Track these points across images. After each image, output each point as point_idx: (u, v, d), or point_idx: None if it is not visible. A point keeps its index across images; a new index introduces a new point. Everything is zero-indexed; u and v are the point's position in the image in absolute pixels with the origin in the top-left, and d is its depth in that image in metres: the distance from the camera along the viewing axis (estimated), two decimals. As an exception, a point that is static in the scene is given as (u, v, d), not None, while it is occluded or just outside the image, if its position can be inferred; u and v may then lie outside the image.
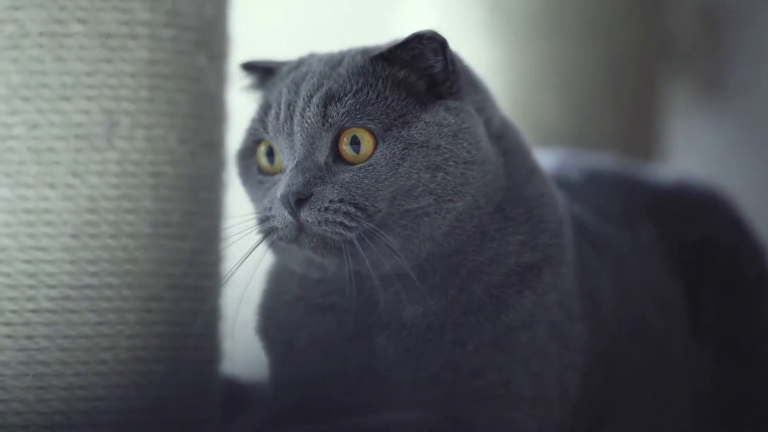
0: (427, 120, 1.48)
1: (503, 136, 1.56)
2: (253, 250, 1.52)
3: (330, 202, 1.45)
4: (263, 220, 1.49)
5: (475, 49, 2.69)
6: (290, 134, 1.49)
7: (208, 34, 1.72)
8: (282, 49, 1.63)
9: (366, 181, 1.46)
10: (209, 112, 1.73)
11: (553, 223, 1.56)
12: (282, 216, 1.47)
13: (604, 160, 1.96)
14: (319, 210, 1.45)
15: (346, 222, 1.45)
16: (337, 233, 1.45)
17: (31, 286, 1.63)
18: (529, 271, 1.53)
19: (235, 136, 1.71)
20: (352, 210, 1.45)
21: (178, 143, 1.69)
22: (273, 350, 1.60)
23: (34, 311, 1.63)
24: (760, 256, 1.89)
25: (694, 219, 1.86)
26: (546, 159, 1.76)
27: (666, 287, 1.78)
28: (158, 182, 1.67)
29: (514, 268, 1.52)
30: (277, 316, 1.60)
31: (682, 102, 3.16)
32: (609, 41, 2.80)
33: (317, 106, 1.47)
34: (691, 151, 3.16)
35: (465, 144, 1.48)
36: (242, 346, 1.67)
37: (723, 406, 1.80)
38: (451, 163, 1.47)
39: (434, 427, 1.47)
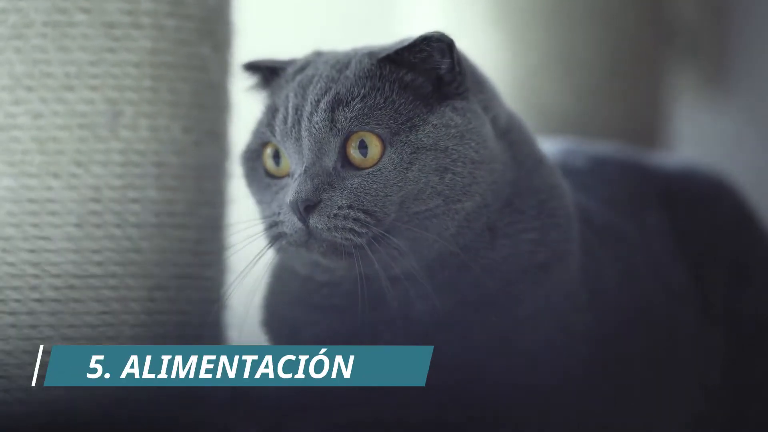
0: (435, 123, 1.47)
1: (510, 131, 1.55)
2: (261, 256, 1.51)
3: (339, 208, 1.44)
4: (272, 225, 1.49)
5: (479, 37, 2.69)
6: (298, 139, 1.48)
7: (211, 23, 1.72)
8: (286, 40, 1.63)
9: (375, 186, 1.45)
10: (213, 102, 1.73)
11: (563, 217, 1.56)
12: (291, 222, 1.46)
13: (609, 148, 1.95)
14: (328, 216, 1.44)
15: (356, 228, 1.44)
16: (346, 239, 1.44)
17: (35, 276, 1.63)
18: (541, 269, 1.53)
19: (238, 126, 1.71)
20: (362, 216, 1.44)
21: (182, 133, 1.69)
22: (278, 344, 1.60)
23: (38, 301, 1.63)
24: (765, 244, 1.89)
25: (701, 206, 1.85)
26: (551, 147, 1.75)
27: (673, 275, 1.77)
28: (162, 172, 1.67)
29: (530, 268, 1.52)
30: (280, 312, 1.60)
31: (687, 89, 3.15)
32: (613, 28, 2.78)
33: (325, 111, 1.47)
34: (696, 139, 3.15)
35: (472, 144, 1.48)
36: (249, 340, 1.66)
37: (732, 392, 1.80)
38: (459, 163, 1.47)
39: (439, 420, 1.47)
